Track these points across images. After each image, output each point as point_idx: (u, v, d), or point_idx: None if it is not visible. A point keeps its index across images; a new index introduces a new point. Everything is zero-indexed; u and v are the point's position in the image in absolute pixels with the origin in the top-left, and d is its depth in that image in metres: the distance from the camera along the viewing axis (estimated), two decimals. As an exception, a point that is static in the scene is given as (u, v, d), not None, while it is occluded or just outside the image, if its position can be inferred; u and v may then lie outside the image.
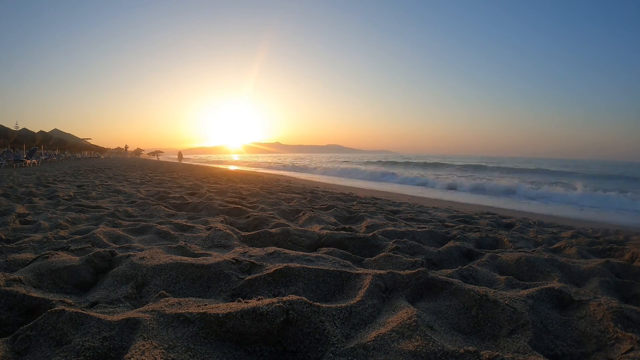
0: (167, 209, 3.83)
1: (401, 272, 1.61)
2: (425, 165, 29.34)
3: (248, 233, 2.64)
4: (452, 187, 12.20)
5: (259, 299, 1.30)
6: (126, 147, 61.63)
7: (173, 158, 54.47)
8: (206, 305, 1.28)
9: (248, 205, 4.47)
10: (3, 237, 2.30)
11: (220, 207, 3.93)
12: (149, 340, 1.04)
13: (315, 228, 2.96)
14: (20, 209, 3.44)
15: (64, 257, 1.76)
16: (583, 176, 19.05)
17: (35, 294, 1.38)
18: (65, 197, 4.63)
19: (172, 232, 2.59)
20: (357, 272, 1.64)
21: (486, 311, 1.33)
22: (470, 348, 1.05)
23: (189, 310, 1.20)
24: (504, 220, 4.46)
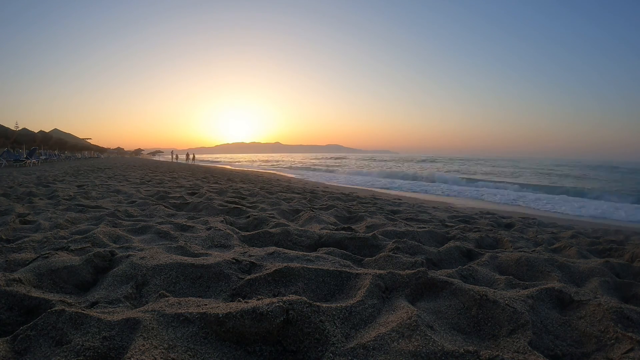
0: (167, 209, 3.83)
1: (401, 272, 1.61)
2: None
3: (248, 233, 2.63)
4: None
5: (259, 299, 1.30)
6: (188, 154, 45.10)
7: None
8: (206, 305, 1.28)
9: (248, 205, 4.47)
10: (3, 237, 2.30)
11: (220, 207, 3.93)
12: (149, 340, 1.04)
13: (315, 228, 2.96)
14: (20, 208, 3.44)
15: (64, 257, 1.76)
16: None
17: (35, 293, 1.38)
18: (65, 197, 4.63)
19: (172, 232, 2.59)
20: (357, 272, 1.64)
21: (486, 311, 1.33)
22: (470, 348, 1.05)
23: (189, 310, 1.20)
24: (504, 220, 4.47)
